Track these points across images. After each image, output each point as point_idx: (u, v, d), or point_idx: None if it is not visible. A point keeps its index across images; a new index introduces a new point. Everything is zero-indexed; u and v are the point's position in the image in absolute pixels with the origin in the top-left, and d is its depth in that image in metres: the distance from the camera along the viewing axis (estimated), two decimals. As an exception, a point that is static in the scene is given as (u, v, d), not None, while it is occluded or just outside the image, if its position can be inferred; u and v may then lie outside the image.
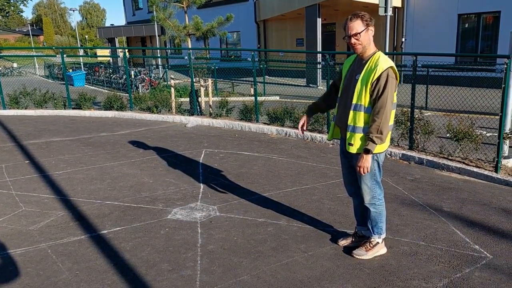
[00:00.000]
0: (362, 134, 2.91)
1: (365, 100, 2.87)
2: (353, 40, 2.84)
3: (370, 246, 3.22)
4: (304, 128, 3.39)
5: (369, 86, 2.83)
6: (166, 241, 3.52)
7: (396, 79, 2.84)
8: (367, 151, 2.83)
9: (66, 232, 3.71)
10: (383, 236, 3.25)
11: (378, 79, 2.79)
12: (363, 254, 3.20)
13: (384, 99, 2.78)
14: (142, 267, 3.12)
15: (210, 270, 3.08)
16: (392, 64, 2.83)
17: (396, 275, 2.98)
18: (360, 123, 2.91)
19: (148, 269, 3.10)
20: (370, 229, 3.22)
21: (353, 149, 2.96)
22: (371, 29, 2.84)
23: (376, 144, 2.82)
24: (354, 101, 2.92)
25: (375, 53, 2.89)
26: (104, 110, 10.31)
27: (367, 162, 2.86)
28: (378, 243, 3.23)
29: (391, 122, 2.97)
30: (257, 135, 7.64)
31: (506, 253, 3.27)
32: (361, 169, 2.90)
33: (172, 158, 6.07)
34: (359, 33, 2.81)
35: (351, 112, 2.94)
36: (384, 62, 2.81)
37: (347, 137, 2.99)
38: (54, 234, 3.67)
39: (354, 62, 3.04)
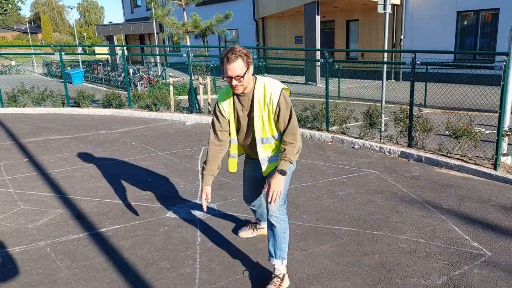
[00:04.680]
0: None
1: (272, 131, 2.73)
2: (234, 82, 2.53)
3: (279, 281, 2.76)
4: (208, 200, 2.84)
5: (271, 116, 2.67)
6: (165, 239, 3.52)
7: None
8: (283, 173, 2.63)
9: (65, 230, 3.71)
10: (285, 262, 2.82)
11: (279, 105, 2.62)
12: None
13: (293, 121, 2.65)
14: (141, 265, 3.12)
15: (209, 268, 3.08)
16: (280, 84, 2.68)
17: (395, 273, 2.98)
18: (274, 152, 2.79)
19: (147, 267, 3.10)
20: (272, 252, 2.78)
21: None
22: (251, 66, 2.58)
23: (292, 163, 2.68)
24: (260, 136, 2.75)
25: (255, 83, 2.66)
26: (103, 108, 10.30)
27: (281, 185, 2.62)
28: (284, 275, 2.80)
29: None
30: (256, 133, 7.61)
31: (505, 250, 3.27)
32: (275, 193, 2.59)
33: (171, 156, 6.06)
34: (243, 76, 2.52)
35: (262, 146, 2.78)
36: (274, 87, 2.64)
37: (267, 167, 2.84)
38: (53, 232, 3.67)
39: (234, 101, 2.75)
